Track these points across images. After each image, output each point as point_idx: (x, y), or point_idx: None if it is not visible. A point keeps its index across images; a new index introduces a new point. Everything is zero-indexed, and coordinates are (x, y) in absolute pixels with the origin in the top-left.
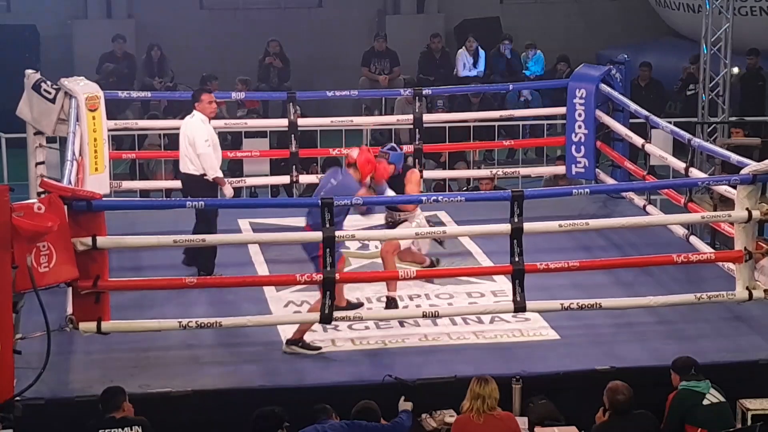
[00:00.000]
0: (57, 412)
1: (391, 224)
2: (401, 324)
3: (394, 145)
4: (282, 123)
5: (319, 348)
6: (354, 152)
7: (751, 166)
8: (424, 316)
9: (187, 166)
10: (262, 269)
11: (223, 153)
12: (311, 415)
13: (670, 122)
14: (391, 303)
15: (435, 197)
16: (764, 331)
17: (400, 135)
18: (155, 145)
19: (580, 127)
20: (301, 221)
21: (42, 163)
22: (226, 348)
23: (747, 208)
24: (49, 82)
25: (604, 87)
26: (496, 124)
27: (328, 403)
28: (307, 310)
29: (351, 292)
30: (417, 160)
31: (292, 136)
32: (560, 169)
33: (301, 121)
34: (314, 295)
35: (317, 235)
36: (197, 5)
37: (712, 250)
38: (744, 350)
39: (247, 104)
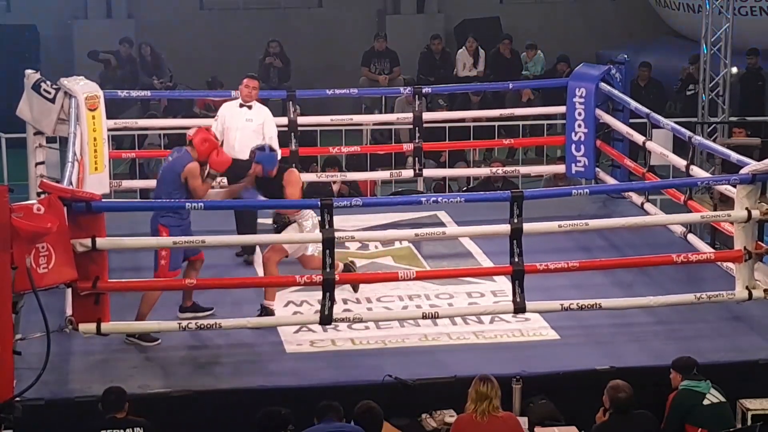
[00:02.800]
0: (57, 413)
1: (279, 227)
2: (401, 324)
3: (267, 145)
4: (282, 122)
5: (157, 339)
6: (192, 131)
7: (751, 166)
8: (424, 317)
9: None
10: (261, 270)
11: None
12: (313, 413)
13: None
14: (265, 311)
15: (434, 198)
16: (764, 331)
17: (400, 134)
18: (155, 145)
19: (580, 126)
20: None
21: (42, 163)
22: (226, 348)
23: (747, 208)
24: (49, 82)
25: (603, 86)
26: (496, 123)
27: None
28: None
29: (351, 293)
30: (417, 159)
31: (292, 134)
32: (560, 168)
33: (300, 120)
34: (315, 295)
35: (317, 236)
36: (197, 5)
37: (712, 250)
38: (744, 350)
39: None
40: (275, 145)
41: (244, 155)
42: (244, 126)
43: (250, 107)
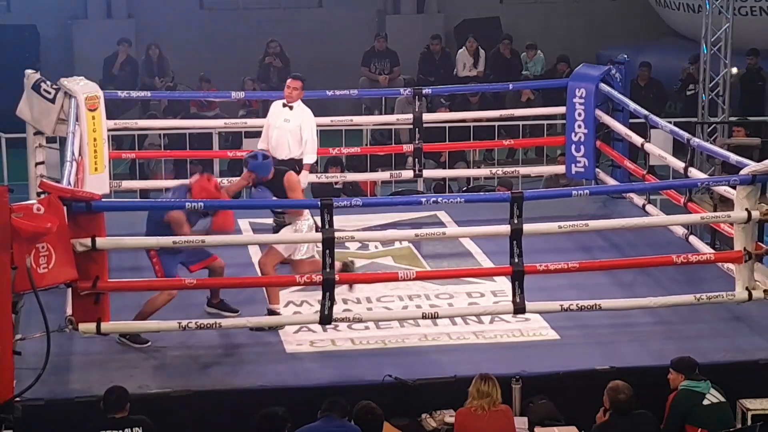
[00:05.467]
0: (57, 413)
1: (277, 227)
2: (401, 324)
3: (260, 153)
4: None
5: (147, 341)
6: (194, 178)
7: (751, 167)
8: (424, 317)
9: None
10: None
11: (223, 152)
12: (315, 411)
13: (670, 122)
14: (271, 315)
15: (435, 198)
16: (764, 331)
17: (400, 134)
18: (155, 145)
19: (579, 126)
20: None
21: (42, 163)
22: (226, 348)
23: (746, 209)
24: (48, 82)
25: (603, 86)
26: (496, 124)
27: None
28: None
29: (353, 293)
30: (417, 160)
31: None
32: (560, 169)
33: None
34: (315, 295)
35: (317, 236)
36: (197, 5)
37: (712, 251)
38: (744, 350)
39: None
40: (312, 147)
41: (279, 155)
42: (282, 126)
43: (291, 107)
